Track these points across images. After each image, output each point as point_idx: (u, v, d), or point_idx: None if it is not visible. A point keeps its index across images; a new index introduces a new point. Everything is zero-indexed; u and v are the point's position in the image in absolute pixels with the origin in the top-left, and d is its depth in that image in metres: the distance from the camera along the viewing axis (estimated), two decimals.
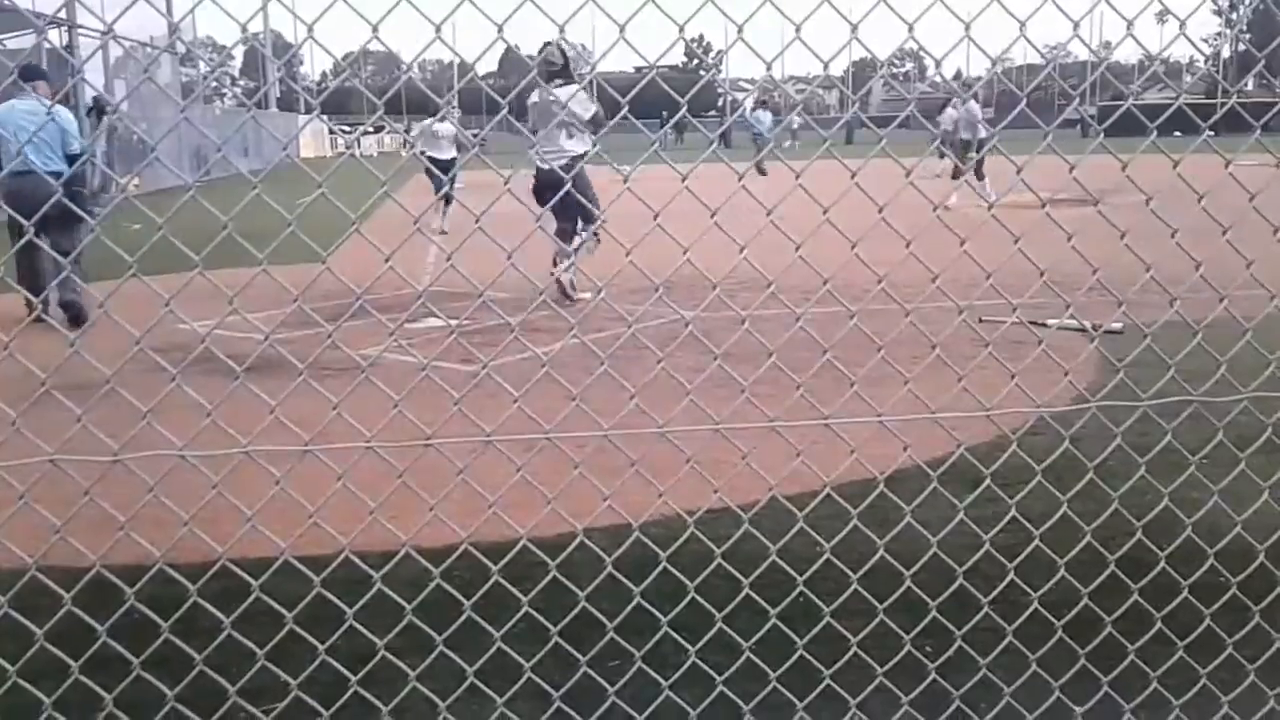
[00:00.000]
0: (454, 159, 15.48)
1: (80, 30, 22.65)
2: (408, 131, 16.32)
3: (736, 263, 2.13)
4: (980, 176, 14.75)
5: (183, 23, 7.77)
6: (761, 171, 14.69)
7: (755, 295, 7.62)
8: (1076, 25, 1.98)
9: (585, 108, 8.43)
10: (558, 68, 8.46)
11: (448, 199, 14.23)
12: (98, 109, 18.37)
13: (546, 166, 8.08)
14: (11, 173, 3.43)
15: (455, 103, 21.61)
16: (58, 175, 8.72)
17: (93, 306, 6.22)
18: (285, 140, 7.40)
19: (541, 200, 9.25)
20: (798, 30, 1.91)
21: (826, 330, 2.13)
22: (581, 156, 8.36)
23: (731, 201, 2.03)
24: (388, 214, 1.99)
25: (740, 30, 1.91)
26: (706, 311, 6.69)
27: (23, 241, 2.08)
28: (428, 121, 16.68)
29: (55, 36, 22.63)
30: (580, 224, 8.44)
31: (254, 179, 1.89)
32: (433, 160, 15.43)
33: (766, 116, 27.05)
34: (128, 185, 3.14)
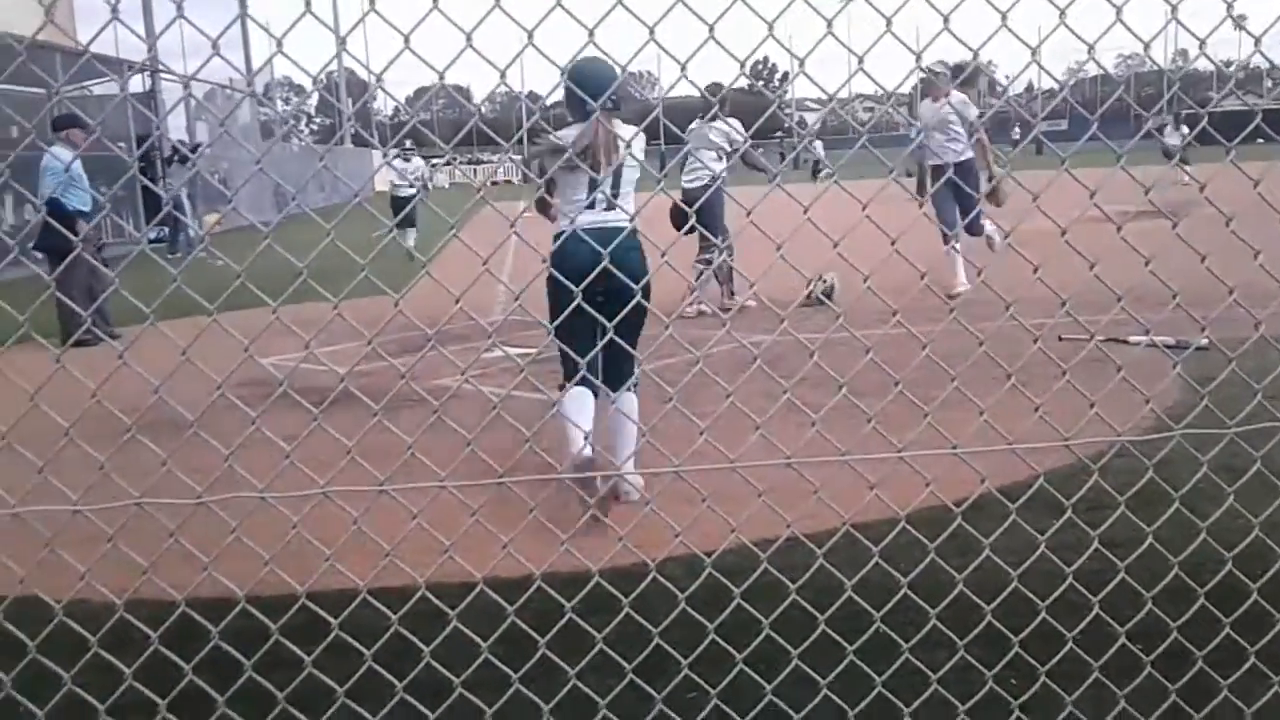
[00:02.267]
0: (414, 196, 16.05)
1: (162, 75, 23.43)
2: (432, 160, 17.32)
3: (813, 291, 2.12)
4: (975, 231, 8.62)
5: (263, 67, 8.07)
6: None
7: (829, 318, 7.57)
8: (1147, 45, 1.94)
9: (734, 137, 9.39)
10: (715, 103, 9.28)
11: (412, 223, 15.52)
12: (179, 156, 18.98)
13: (687, 186, 9.39)
14: None
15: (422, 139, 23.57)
16: (80, 214, 9.25)
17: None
18: (359, 185, 7.54)
19: (682, 219, 9.65)
20: (860, 61, 1.90)
21: (902, 352, 2.11)
22: (718, 177, 9.23)
23: (794, 226, 2.02)
24: (458, 246, 2.02)
25: (802, 64, 1.90)
26: (780, 335, 6.66)
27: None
28: (398, 163, 17.31)
29: (138, 82, 23.42)
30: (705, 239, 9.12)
31: (326, 224, 1.93)
32: (397, 198, 15.90)
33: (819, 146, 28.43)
34: (211, 227, 3.22)
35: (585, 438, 3.34)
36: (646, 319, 3.82)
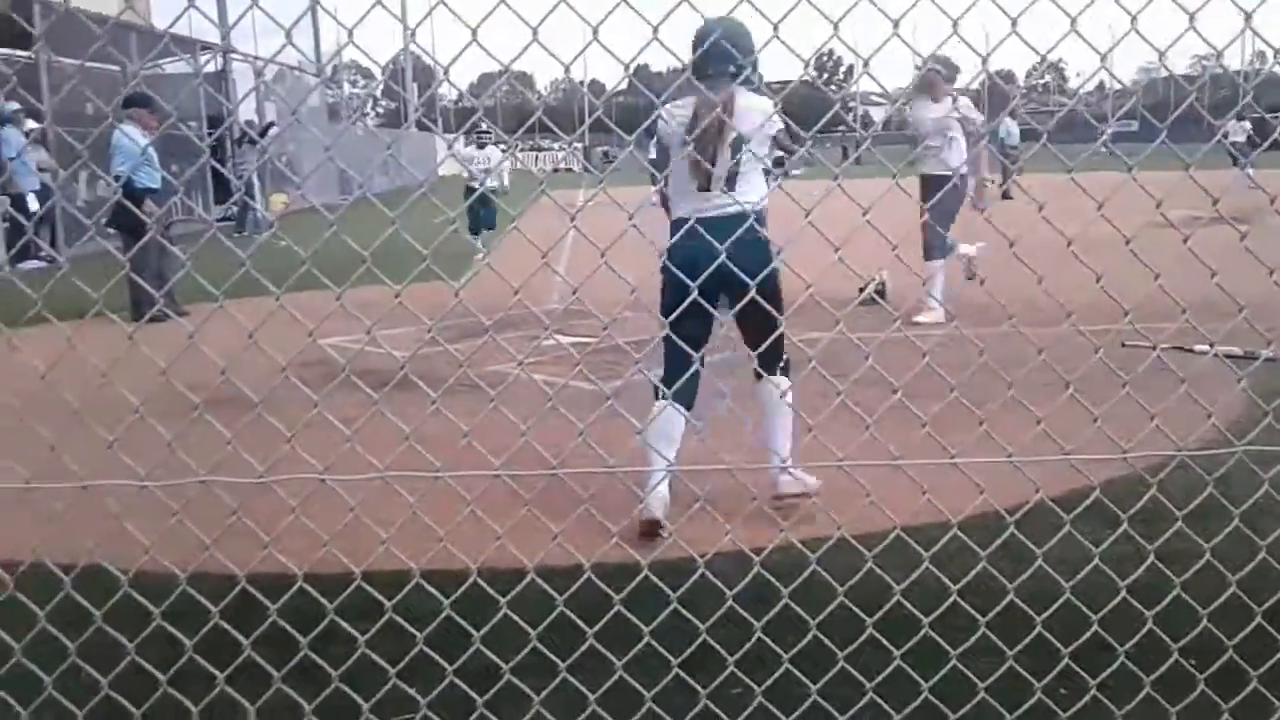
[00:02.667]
0: (496, 190, 13.41)
1: (233, 55, 23.82)
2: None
3: (866, 290, 2.11)
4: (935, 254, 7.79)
5: (336, 55, 8.20)
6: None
7: (883, 318, 7.50)
8: (1220, 54, 1.91)
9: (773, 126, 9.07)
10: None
11: (491, 225, 12.94)
12: (248, 138, 19.30)
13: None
14: None
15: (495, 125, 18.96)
16: (149, 191, 9.44)
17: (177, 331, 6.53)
18: (423, 169, 7.62)
19: None
20: (925, 64, 1.89)
21: (959, 355, 2.10)
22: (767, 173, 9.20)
23: (850, 223, 2.01)
24: (521, 234, 2.04)
25: (866, 65, 1.90)
26: (837, 334, 6.63)
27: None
28: (469, 150, 14.13)
29: (211, 63, 23.84)
30: None
31: (390, 211, 1.96)
32: (470, 190, 13.26)
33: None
34: (279, 209, 3.29)
35: (663, 480, 2.87)
36: (781, 312, 3.19)
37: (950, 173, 7.81)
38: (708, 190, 3.85)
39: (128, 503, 1.99)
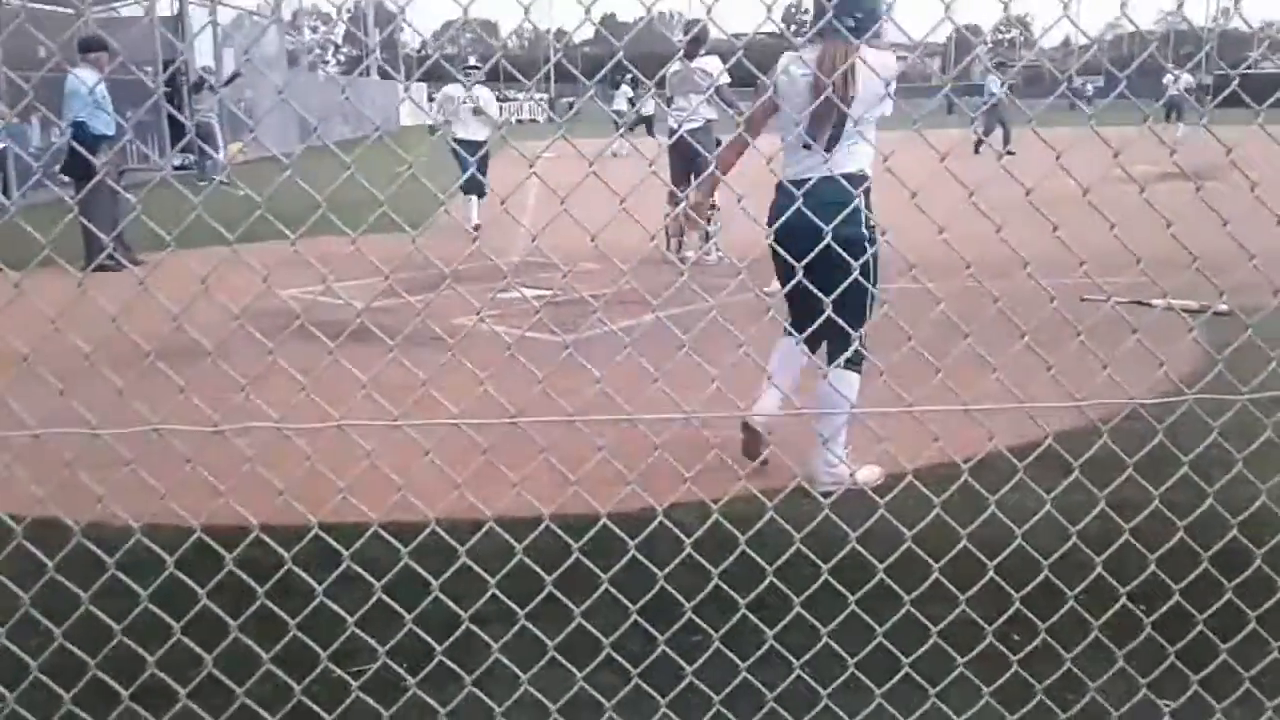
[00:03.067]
0: (485, 140, 11.34)
1: (190, 1, 23.27)
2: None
3: (824, 243, 2.12)
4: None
5: None
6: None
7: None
8: (1182, 3, 1.91)
9: (722, 79, 9.08)
10: (703, 41, 9.18)
11: (480, 190, 10.78)
12: (207, 85, 18.92)
13: (678, 128, 9.19)
14: None
15: (488, 67, 15.80)
16: (103, 137, 9.25)
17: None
18: (380, 118, 7.51)
19: (678, 157, 9.94)
20: (888, 10, 1.88)
21: (917, 310, 2.11)
22: (713, 122, 9.40)
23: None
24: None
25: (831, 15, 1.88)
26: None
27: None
28: (452, 89, 11.74)
29: (164, 4, 23.29)
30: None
31: (347, 158, 1.93)
32: (460, 142, 11.30)
33: None
34: (234, 156, 3.23)
35: (772, 399, 2.98)
36: (874, 289, 3.21)
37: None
38: (823, 150, 3.65)
39: (80, 452, 1.96)
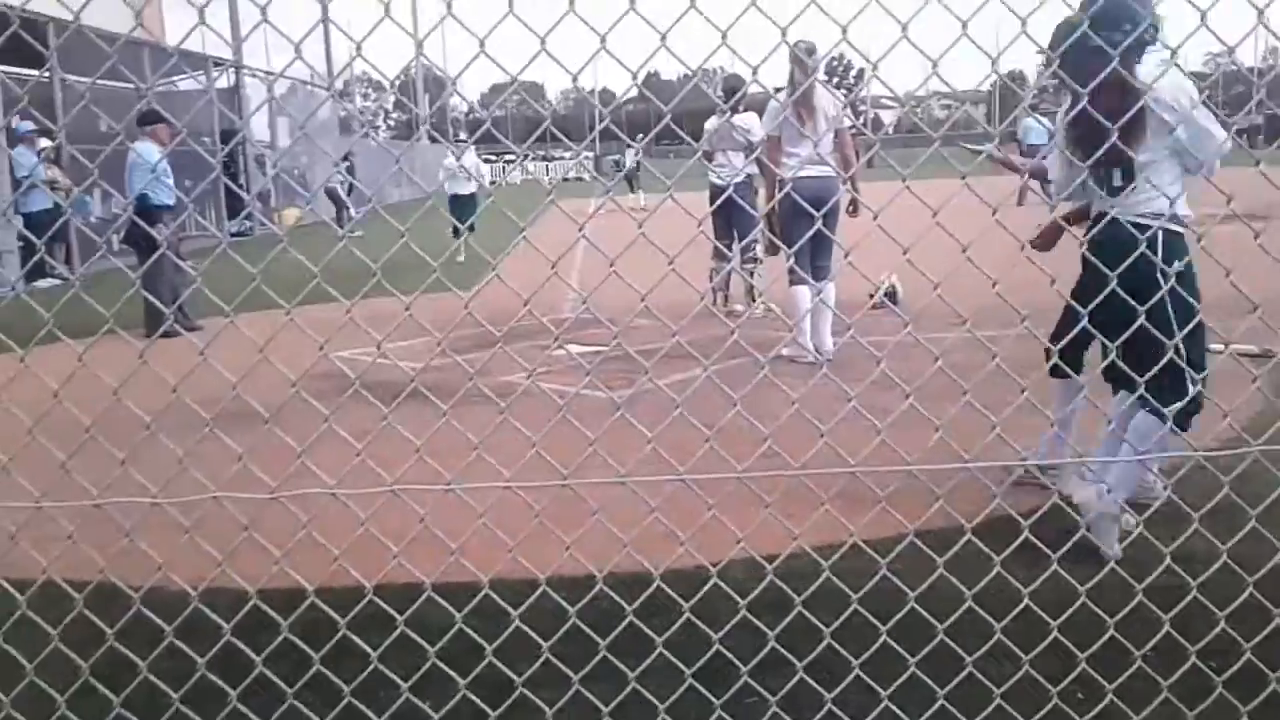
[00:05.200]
0: (474, 194, 15.32)
1: (245, 70, 23.96)
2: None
3: (877, 295, 2.10)
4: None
5: (345, 68, 8.26)
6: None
7: (897, 322, 7.49)
8: (1232, 50, 1.89)
9: (758, 132, 9.20)
10: (742, 97, 9.30)
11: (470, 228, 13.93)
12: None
13: (722, 183, 9.07)
14: None
15: (472, 133, 21.52)
16: (164, 208, 9.49)
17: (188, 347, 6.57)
18: (430, 182, 7.64)
19: (717, 213, 10.07)
20: (934, 65, 1.88)
21: (972, 357, 2.09)
22: (753, 176, 9.43)
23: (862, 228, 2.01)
24: (530, 244, 2.04)
25: (875, 67, 1.89)
26: (848, 339, 6.63)
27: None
28: (448, 160, 16.20)
29: (222, 77, 23.97)
30: (738, 239, 9.15)
31: (401, 225, 1.96)
32: (454, 196, 15.40)
33: None
34: (292, 223, 3.30)
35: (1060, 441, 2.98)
36: (1184, 328, 2.86)
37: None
38: (1116, 187, 3.40)
39: (139, 520, 1.99)
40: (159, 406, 1.97)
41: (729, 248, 9.38)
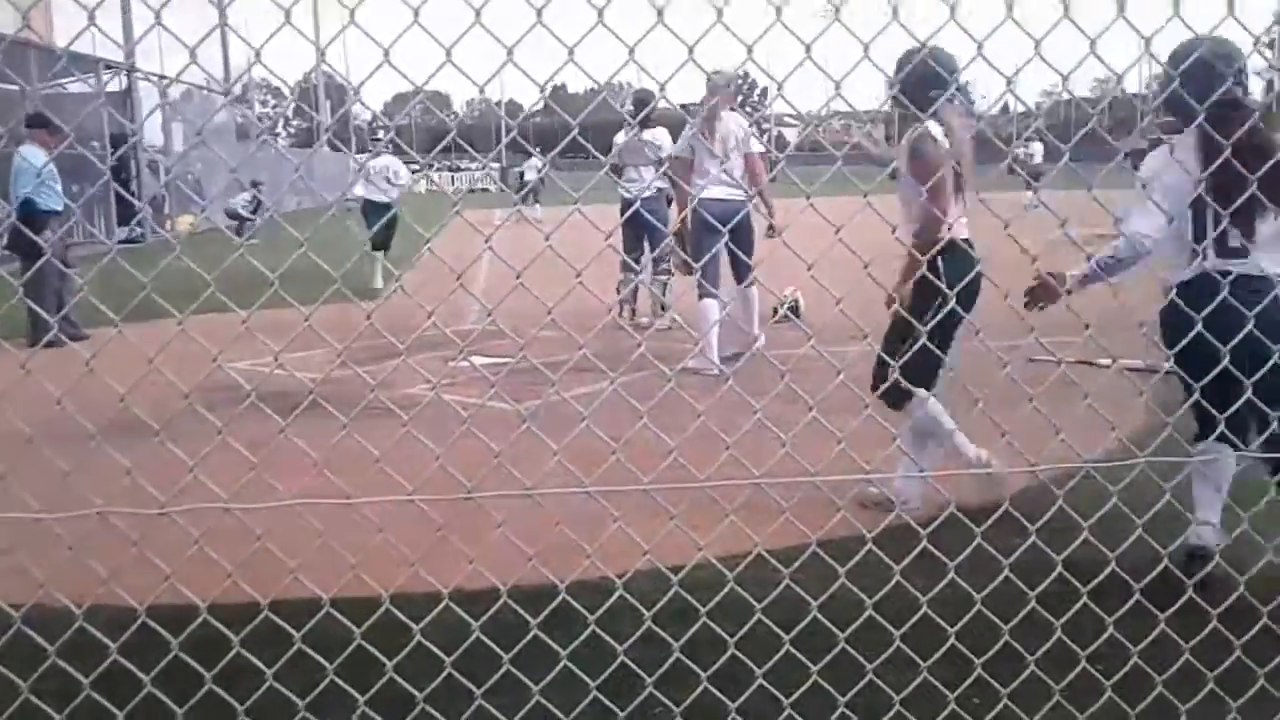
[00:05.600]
0: (391, 204, 12.46)
1: (138, 74, 23.26)
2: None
3: (781, 310, 2.12)
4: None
5: (244, 74, 8.09)
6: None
7: (800, 335, 7.61)
8: (1119, 78, 1.97)
9: (669, 147, 9.19)
10: (649, 110, 9.34)
11: (386, 247, 12.12)
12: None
13: (631, 196, 8.97)
14: None
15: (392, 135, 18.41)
16: (51, 213, 9.24)
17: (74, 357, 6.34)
18: (336, 189, 7.53)
19: (627, 226, 10.16)
20: (838, 87, 1.92)
21: (869, 370, 2.12)
22: (662, 190, 9.40)
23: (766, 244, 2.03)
24: (435, 255, 2.02)
25: (780, 87, 1.92)
26: (752, 353, 6.69)
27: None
28: (367, 158, 13.62)
29: (114, 81, 23.24)
30: (648, 252, 9.27)
31: (300, 234, 1.92)
32: (371, 204, 12.86)
33: None
34: (185, 230, 3.21)
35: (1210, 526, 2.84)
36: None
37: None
38: (1232, 247, 3.21)
39: (21, 536, 1.91)
40: (41, 419, 1.89)
41: (637, 261, 9.42)
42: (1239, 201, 2.48)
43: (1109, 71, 2.15)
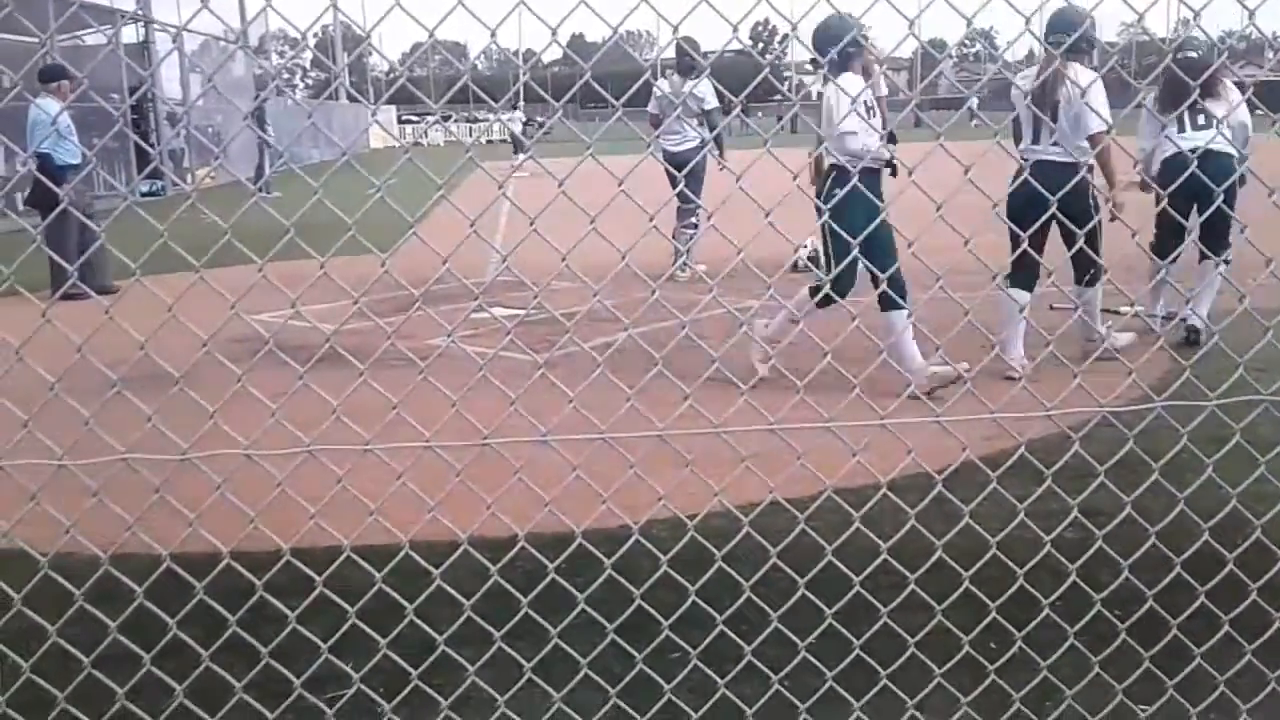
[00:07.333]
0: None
1: (155, 25, 23.16)
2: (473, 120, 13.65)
3: (795, 255, 2.12)
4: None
5: (254, 19, 8.05)
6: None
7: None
8: (1141, 16, 1.94)
9: (712, 100, 9.44)
10: (691, 61, 9.24)
11: None
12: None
13: (676, 150, 9.33)
14: None
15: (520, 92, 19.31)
16: (70, 167, 9.21)
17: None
18: (348, 141, 7.49)
19: (673, 180, 10.06)
20: (859, 30, 1.89)
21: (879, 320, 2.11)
22: (705, 143, 9.42)
23: (787, 189, 2.02)
24: (450, 208, 2.02)
25: (794, 29, 1.90)
26: (768, 302, 6.67)
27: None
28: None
29: (131, 32, 23.15)
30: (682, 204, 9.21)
31: (314, 182, 1.92)
32: None
33: None
34: (201, 181, 3.22)
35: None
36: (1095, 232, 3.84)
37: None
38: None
39: (46, 484, 1.94)
40: (64, 368, 1.91)
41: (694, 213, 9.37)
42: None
43: (1134, 14, 2.11)
